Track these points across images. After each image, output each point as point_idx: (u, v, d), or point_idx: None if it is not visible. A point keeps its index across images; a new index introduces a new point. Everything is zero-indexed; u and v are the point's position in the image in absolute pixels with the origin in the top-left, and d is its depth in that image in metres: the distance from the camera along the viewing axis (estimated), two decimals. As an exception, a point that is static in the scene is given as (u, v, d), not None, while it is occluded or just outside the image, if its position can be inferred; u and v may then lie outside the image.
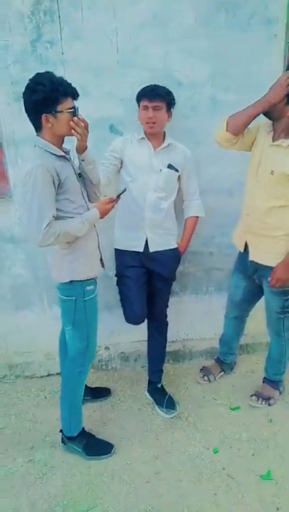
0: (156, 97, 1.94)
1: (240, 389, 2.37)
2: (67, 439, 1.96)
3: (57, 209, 1.62)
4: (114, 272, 2.52)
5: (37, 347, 2.60)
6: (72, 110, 1.60)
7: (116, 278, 2.23)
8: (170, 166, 2.07)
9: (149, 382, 2.34)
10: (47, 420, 2.19)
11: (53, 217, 1.56)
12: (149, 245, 2.09)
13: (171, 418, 2.15)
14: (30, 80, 1.58)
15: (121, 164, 2.11)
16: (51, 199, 1.56)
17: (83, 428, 1.98)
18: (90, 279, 1.79)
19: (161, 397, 2.23)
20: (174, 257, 2.18)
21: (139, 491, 1.75)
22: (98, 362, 2.66)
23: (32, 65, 2.14)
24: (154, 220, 2.08)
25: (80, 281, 1.75)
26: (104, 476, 1.82)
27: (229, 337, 2.44)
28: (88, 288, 1.79)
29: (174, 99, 2.02)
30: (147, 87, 1.99)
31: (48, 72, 1.60)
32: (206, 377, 2.44)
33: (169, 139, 2.09)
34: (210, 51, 2.16)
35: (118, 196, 1.84)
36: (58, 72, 2.11)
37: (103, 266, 1.92)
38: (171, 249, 2.15)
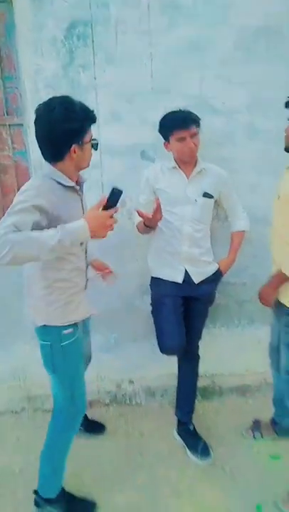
0: (192, 123, 1.84)
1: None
2: (43, 502, 1.70)
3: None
4: (139, 302, 2.42)
5: (58, 379, 2.48)
6: (96, 142, 1.54)
7: (151, 307, 2.11)
8: (205, 194, 1.96)
9: (179, 423, 2.20)
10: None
11: (16, 227, 1.26)
12: (191, 277, 1.99)
13: (205, 465, 1.99)
14: (53, 103, 1.42)
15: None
16: (25, 217, 1.30)
17: (63, 488, 1.74)
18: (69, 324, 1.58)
19: (194, 441, 2.08)
20: (215, 279, 2.09)
21: None
22: (122, 396, 2.52)
23: (63, 90, 2.08)
24: (192, 255, 1.98)
25: (56, 326, 1.56)
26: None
27: (280, 394, 2.04)
28: (65, 332, 1.57)
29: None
30: (172, 116, 1.87)
31: (68, 97, 1.45)
32: (250, 432, 2.18)
33: (202, 163, 1.98)
34: (248, 78, 2.09)
35: (110, 201, 1.38)
36: (91, 97, 2.10)
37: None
38: (212, 274, 2.06)
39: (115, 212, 1.39)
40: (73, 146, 1.43)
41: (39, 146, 1.48)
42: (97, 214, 1.36)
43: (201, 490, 1.87)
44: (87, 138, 1.47)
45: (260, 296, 1.88)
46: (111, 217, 1.37)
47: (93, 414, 2.38)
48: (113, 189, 1.37)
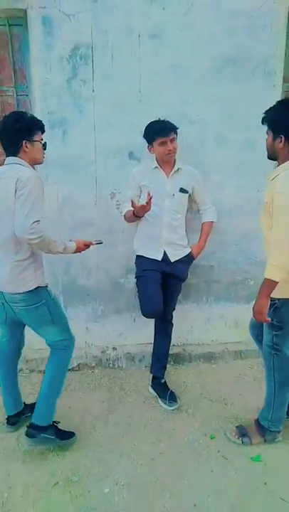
0: (171, 130, 2.30)
1: (234, 389, 2.65)
2: (39, 430, 2.01)
3: None
4: (124, 279, 2.86)
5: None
6: (44, 142, 1.97)
7: (135, 280, 2.56)
8: (181, 190, 2.42)
9: (153, 378, 2.63)
10: (59, 410, 2.42)
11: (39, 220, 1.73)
12: (168, 256, 2.43)
13: (173, 410, 2.42)
14: (9, 114, 1.92)
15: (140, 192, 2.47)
16: (41, 206, 1.79)
17: None
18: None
19: (164, 391, 2.51)
20: (188, 261, 2.54)
21: (146, 466, 2.02)
22: (106, 360, 2.94)
23: (66, 99, 2.52)
24: (170, 239, 2.43)
25: (43, 286, 1.96)
26: (113, 455, 2.09)
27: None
28: (49, 289, 2.00)
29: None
30: (155, 125, 2.30)
31: (22, 111, 1.97)
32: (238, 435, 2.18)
33: (179, 164, 2.43)
34: (219, 96, 2.56)
35: (95, 243, 2.11)
36: (89, 106, 2.54)
37: None
38: (186, 255, 2.50)
39: (90, 245, 2.10)
40: (24, 141, 1.86)
41: (2, 146, 1.91)
42: (85, 242, 2.06)
43: (167, 425, 2.31)
44: (36, 137, 1.90)
45: (255, 313, 1.86)
46: (88, 246, 2.08)
47: (80, 375, 2.81)
48: (100, 242, 2.14)
